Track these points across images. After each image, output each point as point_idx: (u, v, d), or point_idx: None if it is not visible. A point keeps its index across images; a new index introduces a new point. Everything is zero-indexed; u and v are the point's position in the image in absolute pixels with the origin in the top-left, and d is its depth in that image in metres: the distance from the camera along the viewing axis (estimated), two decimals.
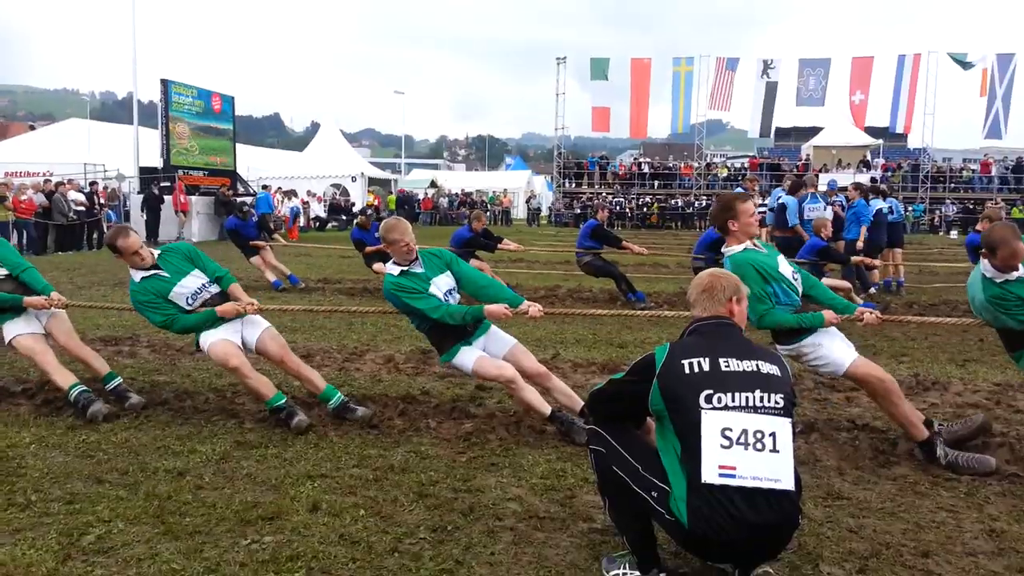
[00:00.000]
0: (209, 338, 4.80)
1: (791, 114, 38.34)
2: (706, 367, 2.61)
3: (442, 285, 4.62)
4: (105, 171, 24.09)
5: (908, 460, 4.16)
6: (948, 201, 34.71)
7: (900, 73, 34.92)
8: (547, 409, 4.56)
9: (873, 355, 6.82)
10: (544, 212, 43.02)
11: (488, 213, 40.50)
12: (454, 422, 4.78)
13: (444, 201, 39.92)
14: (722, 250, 4.38)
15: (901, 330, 8.25)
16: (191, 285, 4.86)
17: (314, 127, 65.46)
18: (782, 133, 48.12)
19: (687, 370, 2.62)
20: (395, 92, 55.12)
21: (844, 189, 25.70)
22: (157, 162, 24.05)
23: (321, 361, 6.42)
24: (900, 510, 3.51)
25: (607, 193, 37.98)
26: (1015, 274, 4.06)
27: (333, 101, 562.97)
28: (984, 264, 4.15)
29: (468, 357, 4.56)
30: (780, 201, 11.57)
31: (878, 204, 11.36)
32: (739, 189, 13.58)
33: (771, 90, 36.41)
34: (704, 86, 36.95)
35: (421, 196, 39.09)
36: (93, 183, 21.81)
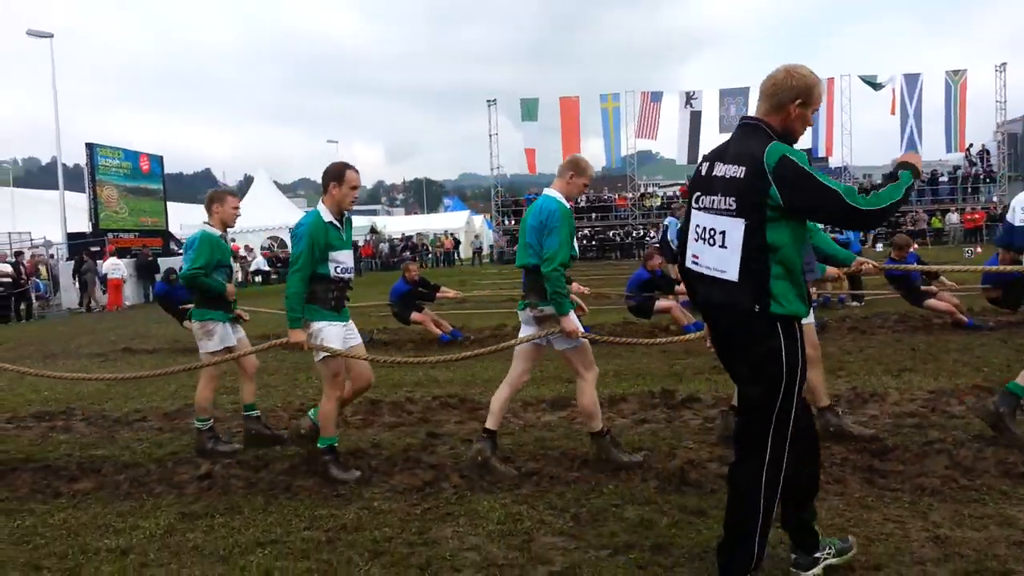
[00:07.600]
0: None
1: (716, 140, 39.46)
2: (704, 171, 3.03)
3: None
4: (32, 239, 23.37)
5: (853, 474, 4.27)
6: None
7: None
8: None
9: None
10: (485, 251, 43.20)
11: (430, 255, 40.54)
12: (407, 473, 4.71)
13: (384, 247, 39.74)
14: None
15: (837, 344, 8.51)
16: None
17: (248, 180, 64.61)
18: None
19: (696, 176, 3.12)
20: (328, 141, 55.06)
21: None
22: (86, 226, 23.47)
23: (267, 420, 6.27)
24: (850, 525, 3.59)
25: None
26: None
27: (265, 153, 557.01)
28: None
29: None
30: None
31: None
32: (670, 217, 14.41)
33: (695, 119, 37.64)
34: (632, 121, 37.97)
35: (361, 243, 38.87)
36: (19, 253, 21.10)
